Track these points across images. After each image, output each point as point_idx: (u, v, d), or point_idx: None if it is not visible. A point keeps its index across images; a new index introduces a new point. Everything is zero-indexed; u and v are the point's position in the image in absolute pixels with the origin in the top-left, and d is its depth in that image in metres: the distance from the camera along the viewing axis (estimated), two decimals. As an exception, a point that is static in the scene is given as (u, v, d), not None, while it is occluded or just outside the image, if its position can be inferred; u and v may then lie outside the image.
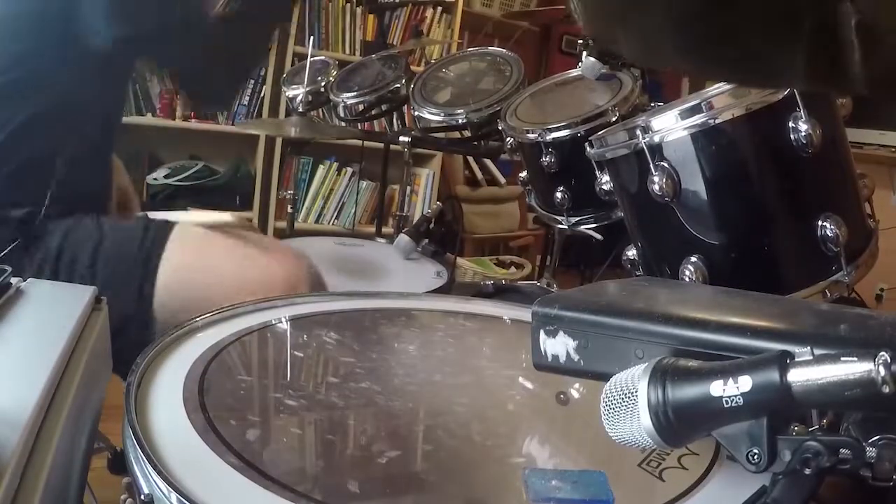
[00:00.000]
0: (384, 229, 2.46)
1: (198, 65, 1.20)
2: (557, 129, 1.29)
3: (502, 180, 3.79)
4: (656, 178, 0.90)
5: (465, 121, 1.64)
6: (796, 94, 0.85)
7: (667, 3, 0.44)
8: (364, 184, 3.49)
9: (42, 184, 1.07)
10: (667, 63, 0.58)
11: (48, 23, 1.07)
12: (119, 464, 0.57)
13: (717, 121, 0.87)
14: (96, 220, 1.09)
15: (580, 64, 1.34)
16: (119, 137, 1.31)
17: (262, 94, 3.27)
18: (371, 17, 3.32)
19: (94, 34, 1.05)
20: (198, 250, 1.09)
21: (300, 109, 1.87)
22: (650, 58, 0.61)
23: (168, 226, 1.09)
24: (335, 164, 3.48)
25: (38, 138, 1.09)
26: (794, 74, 0.46)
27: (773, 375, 0.41)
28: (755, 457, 0.43)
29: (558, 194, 1.34)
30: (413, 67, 2.16)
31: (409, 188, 1.95)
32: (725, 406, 0.42)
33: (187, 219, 1.14)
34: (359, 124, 2.13)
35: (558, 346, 0.57)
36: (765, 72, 0.48)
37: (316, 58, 2.22)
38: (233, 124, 3.24)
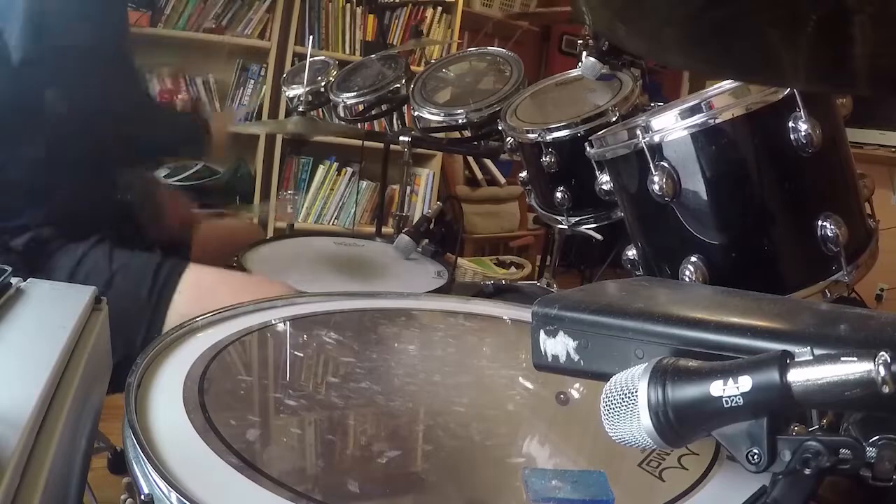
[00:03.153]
0: (384, 229, 2.46)
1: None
2: (557, 129, 1.29)
3: (502, 180, 3.79)
4: (656, 178, 0.90)
5: (465, 121, 1.64)
6: (796, 93, 0.85)
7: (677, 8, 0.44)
8: (364, 184, 3.49)
9: (37, 208, 1.07)
10: (669, 58, 0.58)
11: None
12: (119, 464, 0.57)
13: (717, 121, 0.87)
14: (107, 254, 1.08)
15: (580, 64, 1.34)
16: (128, 158, 1.29)
17: (262, 95, 3.27)
18: (371, 17, 3.32)
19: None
20: (207, 293, 1.09)
21: (300, 109, 1.87)
22: (653, 52, 0.61)
23: (179, 267, 1.09)
24: (335, 164, 3.48)
25: (22, 160, 1.08)
26: (798, 70, 0.46)
27: (773, 375, 0.41)
28: (755, 457, 0.43)
29: (558, 194, 1.33)
30: (413, 67, 2.16)
31: (409, 188, 1.95)
32: (725, 406, 0.42)
33: None
34: (359, 124, 2.13)
35: (558, 346, 0.57)
36: (768, 67, 0.48)
37: (316, 58, 2.22)
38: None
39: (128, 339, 0.99)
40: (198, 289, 1.09)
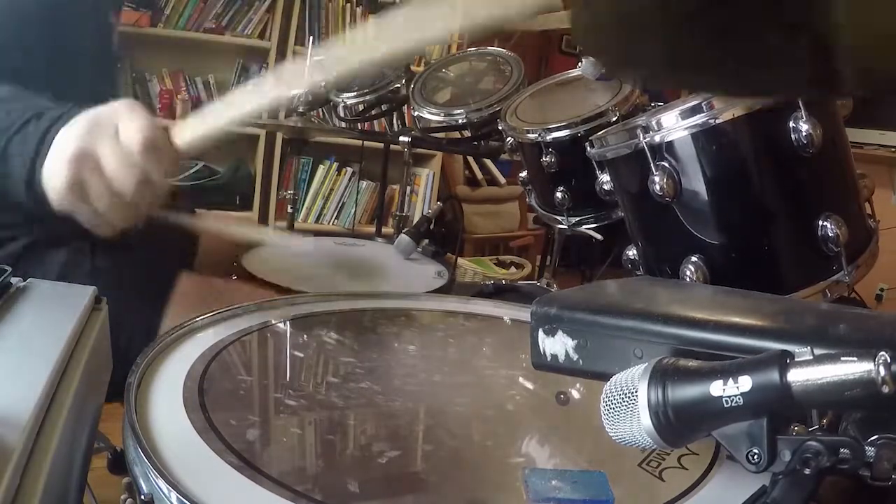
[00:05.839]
0: (384, 229, 2.46)
1: None
2: (557, 129, 1.29)
3: (502, 180, 3.80)
4: (657, 178, 0.90)
5: (465, 121, 1.64)
6: (796, 94, 0.85)
7: (663, 35, 0.44)
8: (364, 184, 3.50)
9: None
10: (672, 84, 0.58)
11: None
12: (119, 464, 0.57)
13: (718, 121, 0.87)
14: (91, 262, 1.07)
15: (580, 64, 1.34)
16: None
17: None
18: (371, 17, 3.33)
19: None
20: (199, 302, 1.08)
21: (300, 109, 1.87)
22: (655, 83, 0.61)
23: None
24: (335, 164, 3.48)
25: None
26: (795, 88, 0.46)
27: (773, 375, 0.41)
28: (755, 457, 0.43)
29: (558, 194, 1.33)
30: (413, 67, 2.16)
31: (409, 188, 1.95)
32: (725, 406, 0.42)
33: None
34: (359, 124, 2.13)
35: (557, 345, 0.57)
36: (767, 87, 0.48)
37: (316, 58, 2.22)
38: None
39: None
40: (191, 295, 1.08)
